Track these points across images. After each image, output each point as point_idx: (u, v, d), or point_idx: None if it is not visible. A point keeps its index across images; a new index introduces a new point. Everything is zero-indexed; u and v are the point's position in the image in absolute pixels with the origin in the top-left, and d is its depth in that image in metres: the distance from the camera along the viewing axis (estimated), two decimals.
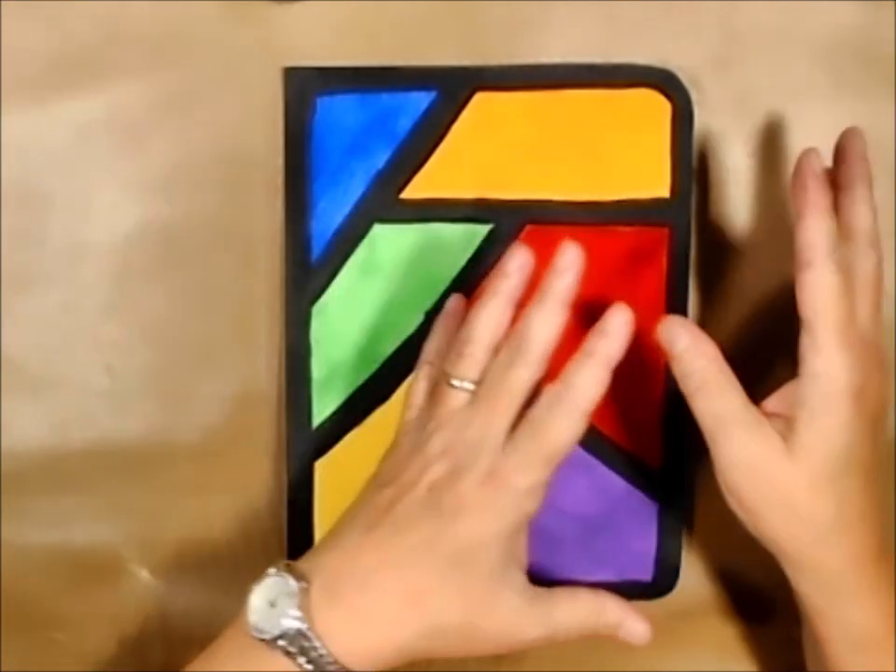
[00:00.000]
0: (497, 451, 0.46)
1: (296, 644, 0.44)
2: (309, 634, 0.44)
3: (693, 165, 0.53)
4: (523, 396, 0.47)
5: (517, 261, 0.48)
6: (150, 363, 0.53)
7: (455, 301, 0.52)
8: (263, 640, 0.44)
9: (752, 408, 0.47)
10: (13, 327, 0.53)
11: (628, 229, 0.53)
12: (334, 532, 0.47)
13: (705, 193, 0.53)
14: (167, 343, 0.53)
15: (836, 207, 0.47)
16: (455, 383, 0.47)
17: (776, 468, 0.46)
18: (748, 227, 0.54)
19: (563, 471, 0.54)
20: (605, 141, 0.53)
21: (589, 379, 0.46)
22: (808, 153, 0.47)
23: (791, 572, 0.48)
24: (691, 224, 0.53)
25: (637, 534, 0.55)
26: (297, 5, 0.52)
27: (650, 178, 0.53)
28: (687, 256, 0.53)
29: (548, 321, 0.47)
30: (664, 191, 0.53)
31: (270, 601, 0.44)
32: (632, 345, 0.53)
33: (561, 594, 0.48)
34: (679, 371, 0.47)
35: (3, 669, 0.55)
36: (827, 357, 0.45)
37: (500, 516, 0.46)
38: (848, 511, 0.47)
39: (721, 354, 0.47)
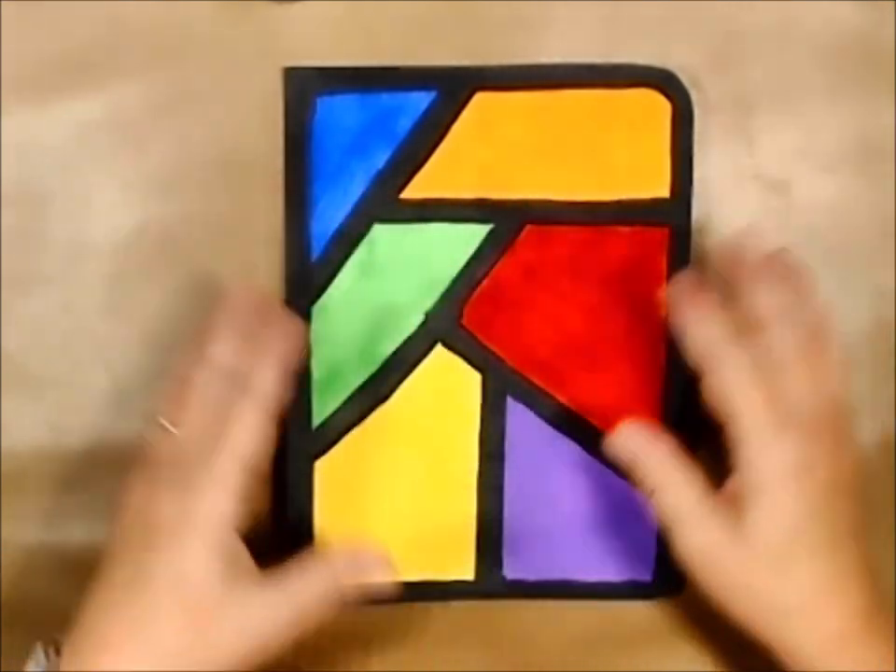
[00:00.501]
0: (189, 467, 0.47)
1: None
2: None
3: (693, 165, 0.53)
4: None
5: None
6: (150, 363, 0.53)
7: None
8: None
9: (706, 501, 0.47)
10: (13, 326, 0.53)
11: (628, 229, 0.53)
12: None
13: (705, 193, 0.53)
14: (167, 343, 0.53)
15: (735, 299, 0.48)
16: (163, 421, 0.48)
17: (730, 558, 0.47)
18: (747, 227, 0.54)
19: (563, 471, 0.54)
20: (605, 141, 0.53)
21: (260, 376, 0.47)
22: (677, 281, 0.49)
23: (772, 657, 0.48)
24: (691, 224, 0.53)
25: (636, 534, 0.55)
26: (297, 5, 0.52)
27: (649, 178, 0.53)
28: (687, 256, 0.53)
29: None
30: (663, 191, 0.53)
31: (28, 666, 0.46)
32: (632, 345, 0.54)
33: (292, 571, 0.47)
34: (636, 475, 0.48)
35: (3, 669, 0.55)
36: (753, 448, 0.46)
37: (196, 528, 0.46)
38: (819, 589, 0.46)
39: (677, 447, 0.48)
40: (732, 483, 0.47)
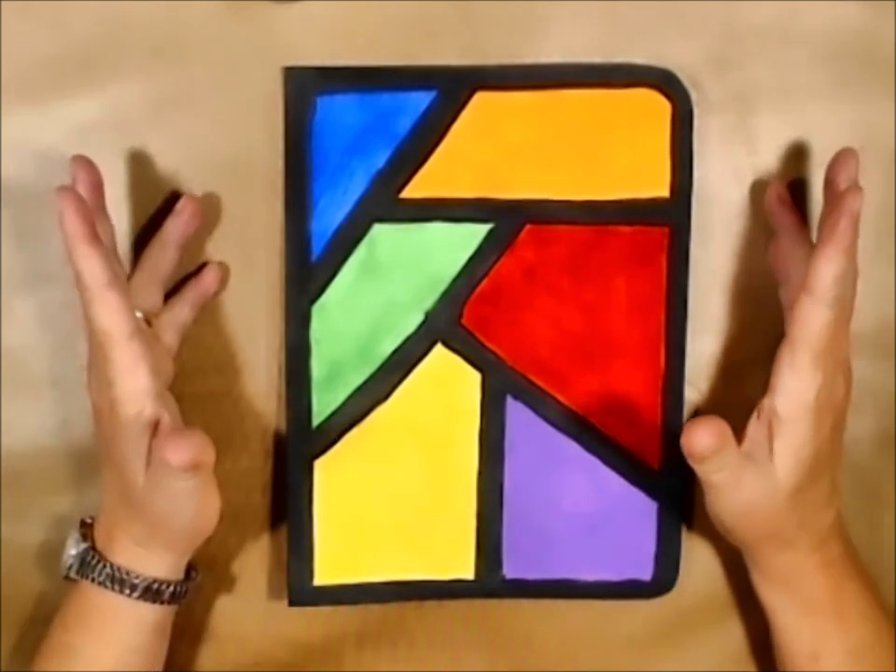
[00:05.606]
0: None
1: (89, 570, 0.50)
2: (93, 555, 0.50)
3: (693, 165, 0.53)
4: None
5: None
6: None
7: None
8: (73, 577, 0.50)
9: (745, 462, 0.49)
10: (14, 325, 0.54)
11: (628, 229, 0.53)
12: None
13: (705, 193, 0.53)
14: None
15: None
16: None
17: (760, 503, 0.49)
18: (747, 227, 0.54)
19: (563, 471, 0.54)
20: (605, 141, 0.53)
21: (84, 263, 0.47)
22: (854, 195, 0.47)
23: (753, 571, 0.52)
24: (691, 224, 0.53)
25: (636, 533, 0.55)
26: (297, 5, 0.52)
27: (649, 178, 0.53)
28: (687, 256, 0.53)
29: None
30: (664, 191, 0.53)
31: (67, 546, 0.51)
32: (632, 345, 0.54)
33: None
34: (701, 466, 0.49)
35: (3, 668, 0.55)
36: (801, 378, 0.48)
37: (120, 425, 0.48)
38: (816, 507, 0.50)
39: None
40: (758, 413, 0.49)
